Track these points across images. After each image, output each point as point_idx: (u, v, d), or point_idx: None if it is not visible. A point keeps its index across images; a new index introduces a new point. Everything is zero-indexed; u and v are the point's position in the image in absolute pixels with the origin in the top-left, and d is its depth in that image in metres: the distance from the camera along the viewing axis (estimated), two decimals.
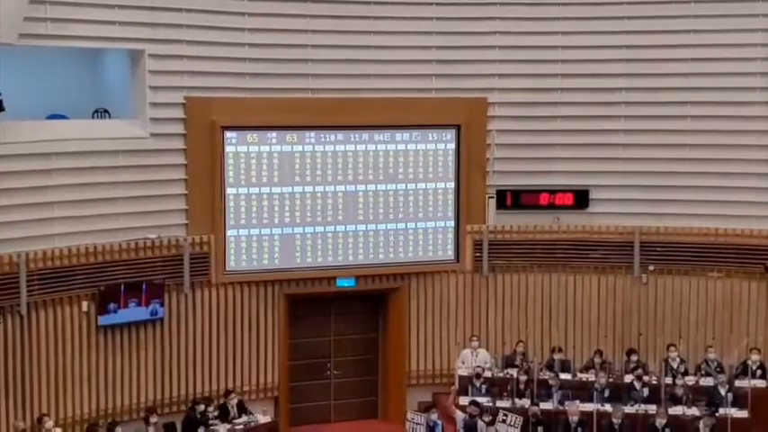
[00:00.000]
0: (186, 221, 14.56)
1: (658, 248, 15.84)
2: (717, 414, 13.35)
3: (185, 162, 14.48)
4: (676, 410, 13.71)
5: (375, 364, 16.18)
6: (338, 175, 15.30)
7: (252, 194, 14.95)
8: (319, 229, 15.31)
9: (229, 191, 14.80)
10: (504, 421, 12.63)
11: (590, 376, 14.72)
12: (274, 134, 14.94)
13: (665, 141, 15.79)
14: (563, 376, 14.71)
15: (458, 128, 15.73)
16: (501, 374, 15.00)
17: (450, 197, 15.89)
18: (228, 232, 14.84)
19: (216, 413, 13.85)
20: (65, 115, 14.18)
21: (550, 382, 14.42)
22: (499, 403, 14.09)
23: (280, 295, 15.21)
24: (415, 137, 15.65)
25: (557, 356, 15.23)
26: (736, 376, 14.62)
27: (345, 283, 15.53)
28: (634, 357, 15.03)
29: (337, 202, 15.35)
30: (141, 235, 14.19)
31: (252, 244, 15.01)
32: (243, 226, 14.94)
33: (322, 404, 15.90)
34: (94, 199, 13.82)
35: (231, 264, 14.89)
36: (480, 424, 13.28)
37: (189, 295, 14.55)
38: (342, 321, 15.99)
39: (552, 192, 16.07)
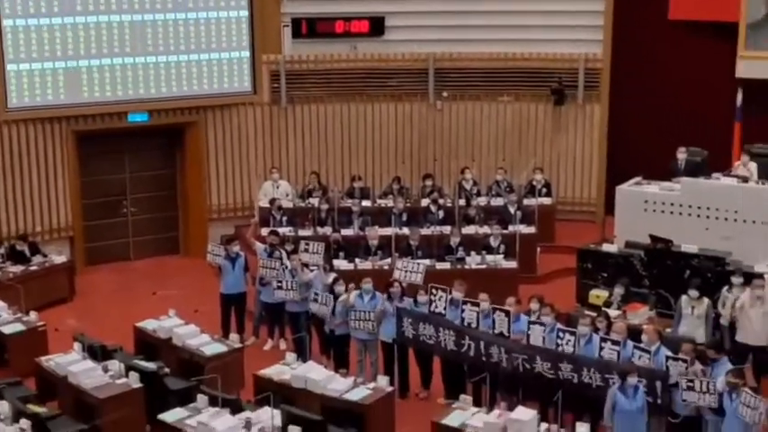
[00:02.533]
0: None
1: (452, 75, 16.12)
2: (506, 231, 14.01)
3: None
4: (469, 230, 14.31)
5: (174, 200, 15.95)
6: (123, 4, 14.55)
7: (31, 26, 14.08)
8: (106, 61, 14.64)
9: (6, 22, 13.91)
10: (306, 250, 12.76)
11: (388, 202, 15.05)
12: None
13: None
14: (363, 203, 14.99)
15: None
16: (302, 204, 15.12)
17: (244, 26, 15.44)
18: (8, 67, 14.04)
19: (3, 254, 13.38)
20: None
21: (353, 208, 14.66)
22: (301, 232, 14.24)
23: (68, 132, 14.59)
24: None
25: (356, 184, 15.45)
26: (525, 195, 15.33)
27: (138, 118, 15.04)
28: (429, 182, 15.47)
29: (124, 33, 14.64)
30: None
31: (34, 79, 14.23)
32: (23, 60, 14.12)
33: (120, 242, 15.61)
34: None
35: (13, 100, 14.16)
36: (283, 254, 13.37)
37: None
38: (136, 158, 15.57)
39: (347, 19, 15.89)
